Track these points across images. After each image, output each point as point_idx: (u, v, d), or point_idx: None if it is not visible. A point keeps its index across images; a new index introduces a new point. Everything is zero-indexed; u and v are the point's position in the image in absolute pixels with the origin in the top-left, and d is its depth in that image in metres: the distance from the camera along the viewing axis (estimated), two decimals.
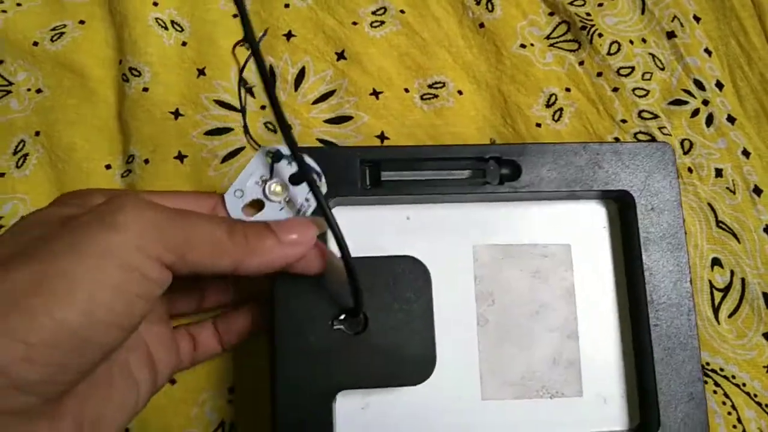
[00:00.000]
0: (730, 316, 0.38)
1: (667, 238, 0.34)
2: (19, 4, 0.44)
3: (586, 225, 0.36)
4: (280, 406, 0.31)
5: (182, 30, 0.44)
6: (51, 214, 0.26)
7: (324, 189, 0.32)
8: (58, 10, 0.44)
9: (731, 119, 0.41)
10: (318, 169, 0.33)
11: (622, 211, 0.36)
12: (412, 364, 0.32)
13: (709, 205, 0.39)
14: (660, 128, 0.41)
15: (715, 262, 0.39)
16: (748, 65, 0.42)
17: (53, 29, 0.44)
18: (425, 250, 0.34)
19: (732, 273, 0.38)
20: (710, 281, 0.38)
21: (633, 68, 0.42)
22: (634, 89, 0.41)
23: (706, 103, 0.41)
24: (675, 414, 0.33)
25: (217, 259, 0.26)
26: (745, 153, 0.40)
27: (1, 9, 0.44)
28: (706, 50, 0.42)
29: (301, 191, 0.32)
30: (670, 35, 0.43)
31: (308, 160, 0.33)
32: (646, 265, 0.34)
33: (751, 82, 0.42)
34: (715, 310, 0.38)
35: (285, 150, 0.32)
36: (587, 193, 0.35)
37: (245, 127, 0.31)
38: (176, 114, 0.42)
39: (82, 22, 0.44)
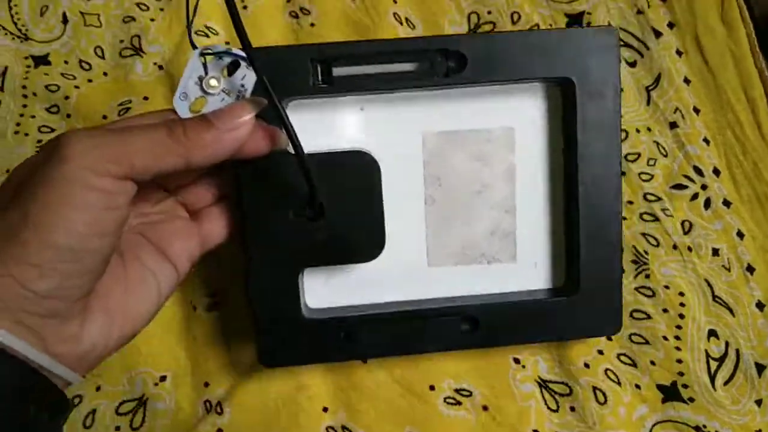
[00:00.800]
0: (725, 383, 0.42)
1: (604, 123, 0.37)
2: (90, 81, 0.50)
3: (529, 109, 0.39)
4: (252, 282, 0.38)
5: None
6: (27, 163, 0.31)
7: (257, 72, 0.33)
8: (124, 87, 0.50)
9: (727, 203, 0.46)
10: (245, 55, 0.33)
11: (564, 96, 0.39)
12: (364, 245, 0.38)
13: (707, 281, 0.44)
14: (663, 210, 0.46)
15: (712, 333, 0.43)
16: (742, 154, 0.47)
17: (120, 104, 0.49)
18: (378, 138, 0.39)
19: (727, 344, 0.43)
20: (707, 351, 0.43)
21: (639, 154, 0.47)
22: (640, 173, 0.46)
23: (704, 187, 0.46)
24: (594, 277, 0.38)
25: (164, 160, 0.29)
26: (740, 234, 0.45)
27: (75, 84, 0.50)
28: (705, 140, 0.47)
29: (236, 79, 0.34)
30: (673, 125, 0.48)
31: (236, 51, 0.34)
32: (581, 147, 0.37)
33: (745, 169, 0.47)
34: (712, 378, 0.42)
35: (216, 47, 0.34)
36: (531, 80, 0.38)
37: (189, 31, 0.34)
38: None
39: (146, 98, 0.49)
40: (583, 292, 0.39)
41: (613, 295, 0.39)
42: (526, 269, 0.41)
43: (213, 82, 0.34)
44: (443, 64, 0.37)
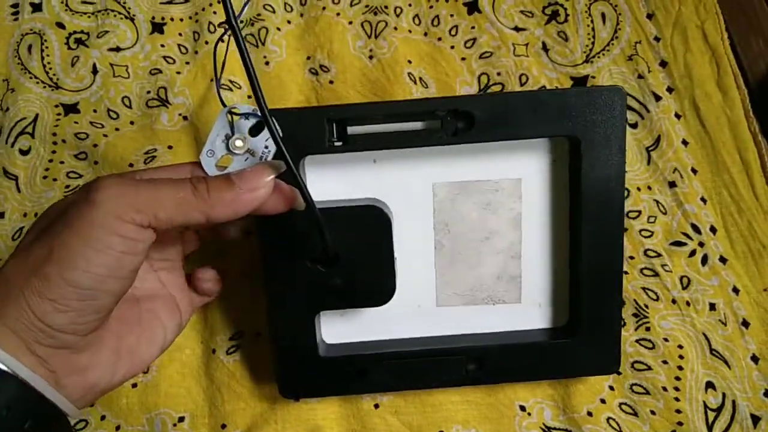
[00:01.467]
0: None
1: (609, 178, 0.40)
2: (117, 129, 0.53)
3: (536, 162, 0.42)
4: (273, 322, 0.42)
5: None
6: (62, 201, 0.34)
7: (279, 133, 0.34)
8: (150, 135, 0.53)
9: (723, 260, 0.49)
10: (269, 117, 0.34)
11: (571, 150, 0.41)
12: (375, 291, 0.41)
13: (704, 335, 0.47)
14: (662, 265, 0.48)
15: (709, 385, 0.46)
16: (737, 213, 0.50)
17: (146, 152, 0.52)
18: (390, 188, 0.42)
19: (724, 395, 0.45)
20: (705, 402, 0.45)
21: (640, 212, 0.50)
22: (641, 230, 0.49)
23: (701, 245, 0.49)
24: (595, 318, 0.41)
25: (185, 214, 0.32)
26: (735, 290, 0.48)
27: (103, 133, 0.53)
28: (702, 199, 0.51)
29: (260, 140, 0.36)
30: (672, 184, 0.51)
31: (242, 108, 0.36)
32: (586, 200, 0.40)
33: (740, 227, 0.50)
34: (710, 428, 0.45)
35: (242, 108, 0.36)
36: (537, 137, 0.41)
37: (217, 88, 0.37)
38: (248, 232, 0.49)
39: (170, 147, 0.52)
40: (585, 332, 0.41)
41: (612, 336, 0.42)
42: (530, 310, 0.44)
43: (238, 143, 0.36)
44: (452, 123, 0.39)
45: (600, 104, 0.39)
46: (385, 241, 0.40)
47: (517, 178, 0.43)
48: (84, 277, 0.30)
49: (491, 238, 0.43)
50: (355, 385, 0.42)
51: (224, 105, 0.37)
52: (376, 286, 0.41)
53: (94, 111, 0.53)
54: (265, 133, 0.36)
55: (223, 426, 0.45)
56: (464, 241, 0.43)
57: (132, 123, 0.53)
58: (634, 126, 0.53)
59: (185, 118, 0.53)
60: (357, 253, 0.40)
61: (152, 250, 0.34)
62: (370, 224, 0.40)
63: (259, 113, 0.36)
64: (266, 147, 0.36)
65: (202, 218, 0.32)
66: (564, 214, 0.42)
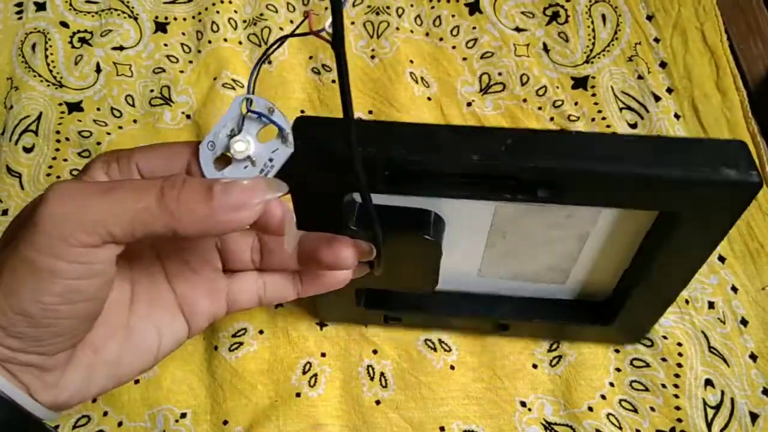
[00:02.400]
0: (722, 430, 0.45)
1: (696, 247, 0.35)
2: (120, 127, 0.54)
3: None
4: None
5: None
6: (27, 208, 0.30)
7: (291, 149, 0.29)
8: (153, 133, 0.54)
9: (722, 259, 0.50)
10: (286, 128, 0.29)
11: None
12: (414, 290, 0.41)
13: (703, 332, 0.48)
14: None
15: (708, 382, 0.47)
16: None
17: None
18: (449, 203, 0.36)
19: (722, 393, 0.46)
20: (704, 399, 0.46)
21: None
22: None
23: None
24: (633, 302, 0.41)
25: (146, 227, 0.26)
26: (734, 289, 0.49)
27: (106, 131, 0.54)
28: None
29: (266, 150, 0.29)
30: None
31: (277, 117, 0.29)
32: (664, 248, 0.35)
33: (739, 227, 0.51)
34: (709, 425, 0.45)
35: (259, 102, 0.29)
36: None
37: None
38: None
39: None
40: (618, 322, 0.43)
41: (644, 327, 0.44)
42: (573, 287, 0.45)
43: (239, 146, 0.29)
44: (531, 189, 0.32)
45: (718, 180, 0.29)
46: (435, 246, 0.36)
47: (599, 210, 0.36)
48: (32, 307, 0.26)
49: (549, 245, 0.39)
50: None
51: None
52: (415, 285, 0.41)
53: (98, 109, 0.54)
54: (276, 143, 0.29)
55: (225, 422, 0.46)
56: (520, 245, 0.40)
57: (135, 121, 0.54)
58: (634, 126, 0.54)
59: (188, 116, 0.54)
60: (402, 254, 0.36)
61: (155, 250, 0.32)
62: (421, 231, 0.35)
63: (276, 120, 0.29)
64: (271, 160, 0.29)
65: (167, 232, 0.27)
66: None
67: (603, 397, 0.46)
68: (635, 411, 0.46)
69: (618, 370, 0.47)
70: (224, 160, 0.30)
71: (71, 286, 0.27)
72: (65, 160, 0.53)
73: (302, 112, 0.55)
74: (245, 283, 0.36)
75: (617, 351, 0.48)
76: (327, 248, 0.33)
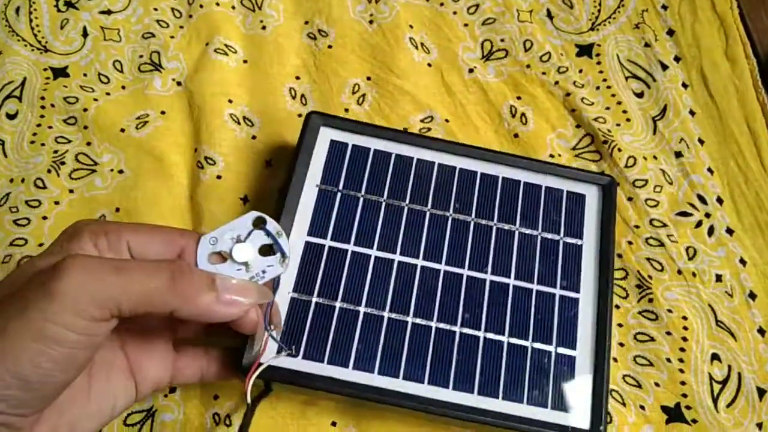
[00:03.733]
0: (728, 405, 0.45)
1: None
2: (108, 94, 0.53)
3: None
4: None
5: (252, 125, 0.52)
6: (29, 266, 0.32)
7: (284, 270, 0.35)
8: (142, 100, 0.53)
9: (730, 231, 0.49)
10: (288, 253, 0.35)
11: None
12: None
13: (710, 306, 0.47)
14: (668, 236, 0.49)
15: (715, 356, 0.46)
16: (745, 184, 0.50)
17: (138, 118, 0.52)
18: None
19: (729, 367, 0.46)
20: (710, 374, 0.45)
21: (646, 181, 0.50)
22: (646, 199, 0.50)
23: (708, 215, 0.50)
24: None
25: (151, 305, 0.30)
26: (742, 261, 0.48)
27: (93, 97, 0.52)
28: (709, 169, 0.51)
29: (262, 263, 0.35)
30: (678, 154, 0.51)
31: (282, 242, 0.35)
32: None
33: (748, 198, 0.50)
34: (714, 400, 0.45)
35: (272, 225, 0.35)
36: None
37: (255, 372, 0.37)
38: (245, 200, 0.49)
39: (163, 112, 0.52)
40: None
41: None
42: None
43: (243, 253, 0.34)
44: None
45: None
46: None
47: None
48: (30, 372, 0.28)
49: None
50: None
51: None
52: None
53: (84, 75, 0.53)
54: (273, 260, 0.35)
55: (216, 397, 0.45)
56: None
57: (123, 88, 0.53)
58: (640, 95, 0.53)
59: (179, 83, 0.53)
60: None
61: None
62: None
63: (281, 244, 0.35)
64: (263, 272, 0.35)
65: (166, 311, 0.30)
66: None
67: None
68: (639, 386, 0.45)
69: (621, 344, 0.47)
70: (218, 256, 0.34)
71: (71, 354, 0.29)
72: (50, 127, 0.52)
73: (297, 78, 0.53)
74: (190, 358, 0.39)
75: (620, 325, 0.47)
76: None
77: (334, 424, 0.44)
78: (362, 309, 0.43)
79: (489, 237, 0.45)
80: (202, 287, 0.31)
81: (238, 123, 0.52)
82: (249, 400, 0.37)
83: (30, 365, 0.28)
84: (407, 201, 0.46)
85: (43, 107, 0.52)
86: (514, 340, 0.43)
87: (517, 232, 0.45)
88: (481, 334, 0.42)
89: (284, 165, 0.50)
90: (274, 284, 0.37)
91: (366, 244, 0.44)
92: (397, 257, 0.44)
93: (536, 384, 0.42)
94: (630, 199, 0.50)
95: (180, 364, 0.38)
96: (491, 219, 0.46)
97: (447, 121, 0.52)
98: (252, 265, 0.34)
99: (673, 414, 0.45)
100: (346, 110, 0.52)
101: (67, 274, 0.28)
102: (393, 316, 0.43)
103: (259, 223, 0.35)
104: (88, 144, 0.51)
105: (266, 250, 0.35)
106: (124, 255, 0.33)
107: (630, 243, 0.49)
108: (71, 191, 0.50)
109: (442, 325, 0.42)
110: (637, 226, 0.49)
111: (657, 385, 0.45)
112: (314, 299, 0.43)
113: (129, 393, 0.36)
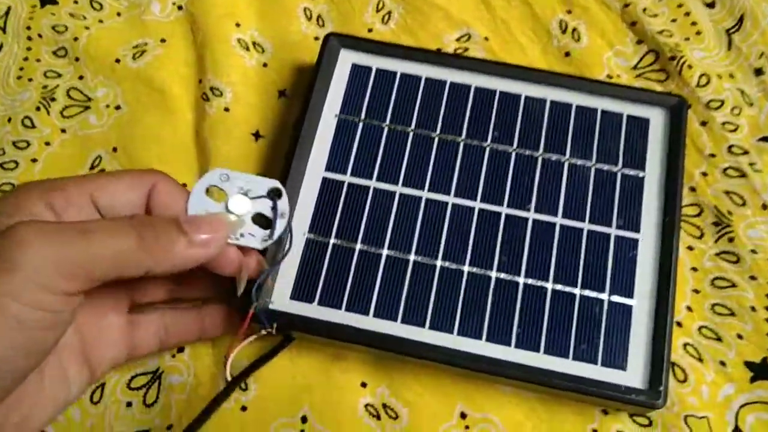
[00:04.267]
0: None
1: None
2: (101, 21, 0.47)
3: None
4: None
5: (263, 51, 0.46)
6: None
7: (260, 247, 0.33)
8: (139, 28, 0.47)
9: None
10: (274, 236, 0.33)
11: None
12: None
13: None
14: (751, 164, 0.42)
15: None
16: None
17: (135, 47, 0.47)
18: None
19: None
20: None
21: (722, 102, 0.43)
22: (723, 123, 0.43)
23: None
24: None
25: (126, 269, 0.27)
26: None
27: (84, 26, 0.47)
28: None
29: (248, 227, 0.33)
30: (758, 72, 0.44)
31: (279, 224, 0.33)
32: None
33: None
34: None
35: (281, 205, 0.33)
36: None
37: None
38: (257, 135, 0.44)
39: (163, 40, 0.47)
40: None
41: None
42: None
43: (241, 205, 0.32)
44: None
45: None
46: None
47: None
48: None
49: None
50: None
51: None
52: None
53: (75, 2, 0.48)
54: (257, 229, 0.33)
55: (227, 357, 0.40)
56: None
57: (119, 14, 0.48)
58: (712, 5, 0.47)
59: (179, 7, 0.48)
60: None
61: None
62: None
63: (278, 221, 0.33)
64: (242, 235, 0.32)
65: (140, 272, 0.28)
66: None
67: (679, 324, 0.40)
68: (719, 339, 0.39)
69: (696, 291, 0.40)
70: (216, 195, 0.33)
71: (35, 337, 0.26)
72: (38, 60, 0.47)
73: None
74: (146, 327, 0.35)
75: (694, 269, 0.41)
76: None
77: (364, 384, 0.39)
78: (385, 252, 0.38)
79: (533, 169, 0.40)
80: (170, 236, 0.28)
81: (247, 49, 0.46)
82: (228, 376, 0.35)
83: None
84: (438, 131, 0.41)
85: (29, 38, 0.47)
86: (559, 287, 0.38)
87: (566, 164, 0.40)
88: (520, 279, 0.38)
89: (300, 95, 0.45)
90: (283, 245, 0.35)
91: (390, 179, 0.40)
92: (425, 194, 0.39)
93: (585, 337, 0.37)
94: (704, 123, 0.43)
95: (136, 336, 0.35)
96: (536, 149, 0.40)
97: (486, 39, 0.46)
98: (237, 221, 0.32)
99: (759, 371, 0.39)
100: (370, 30, 0.47)
101: (22, 242, 0.25)
102: (419, 259, 0.38)
103: (273, 195, 0.33)
104: (81, 78, 0.46)
105: (258, 220, 0.33)
106: (88, 211, 0.30)
107: (704, 174, 0.42)
108: (63, 130, 0.45)
109: (475, 270, 0.38)
110: (712, 155, 0.43)
111: (740, 337, 0.39)
112: (332, 241, 0.38)
113: (83, 377, 0.32)
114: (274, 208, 0.33)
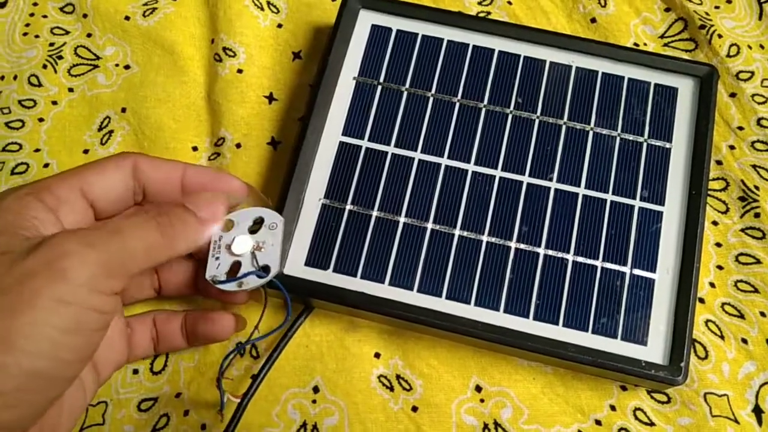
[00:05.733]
0: None
1: None
2: None
3: None
4: None
5: (278, 11, 0.45)
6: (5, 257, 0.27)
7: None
8: None
9: None
10: (274, 269, 0.34)
11: None
12: None
13: None
14: None
15: None
16: None
17: (145, 4, 0.45)
18: None
19: None
20: None
21: (753, 73, 0.42)
22: (753, 95, 0.42)
23: None
24: None
25: (155, 259, 0.29)
26: None
27: None
28: None
29: (248, 259, 0.34)
30: None
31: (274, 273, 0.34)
32: None
33: None
34: None
35: (276, 233, 0.34)
36: None
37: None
38: (270, 98, 0.43)
39: None
40: None
41: None
42: None
43: (242, 245, 0.34)
44: None
45: None
46: None
47: None
48: (47, 364, 0.25)
49: None
50: None
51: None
52: None
53: None
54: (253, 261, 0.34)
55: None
56: None
57: None
58: None
59: None
60: None
61: None
62: None
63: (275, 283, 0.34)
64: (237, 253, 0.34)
65: (165, 260, 0.30)
66: None
67: (701, 300, 0.39)
68: (741, 316, 0.39)
69: (720, 267, 0.40)
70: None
71: (90, 339, 0.27)
72: (45, 16, 0.46)
73: None
74: (142, 331, 0.36)
75: (719, 245, 0.40)
76: (207, 323, 0.36)
77: (377, 355, 0.38)
78: (402, 219, 0.38)
79: (557, 138, 0.39)
80: (182, 218, 0.31)
81: (262, 9, 0.45)
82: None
83: (48, 357, 0.25)
84: (459, 96, 0.40)
85: None
86: (580, 259, 0.37)
87: (591, 133, 0.39)
88: (540, 250, 0.37)
89: (315, 57, 0.44)
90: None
91: (409, 145, 0.39)
92: (445, 161, 0.39)
93: (605, 310, 0.36)
94: (733, 95, 0.42)
95: (133, 340, 0.36)
96: (560, 117, 0.39)
97: (510, 3, 0.45)
98: (239, 253, 0.34)
99: None
100: None
101: (68, 252, 0.26)
102: (437, 227, 0.37)
103: (261, 222, 0.35)
104: (89, 35, 0.45)
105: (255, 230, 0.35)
106: (81, 205, 0.31)
107: (732, 147, 0.41)
108: (71, 90, 0.44)
109: (494, 240, 0.37)
110: (741, 128, 0.42)
111: (763, 315, 0.39)
112: (348, 207, 0.38)
113: (93, 384, 0.33)
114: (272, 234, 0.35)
